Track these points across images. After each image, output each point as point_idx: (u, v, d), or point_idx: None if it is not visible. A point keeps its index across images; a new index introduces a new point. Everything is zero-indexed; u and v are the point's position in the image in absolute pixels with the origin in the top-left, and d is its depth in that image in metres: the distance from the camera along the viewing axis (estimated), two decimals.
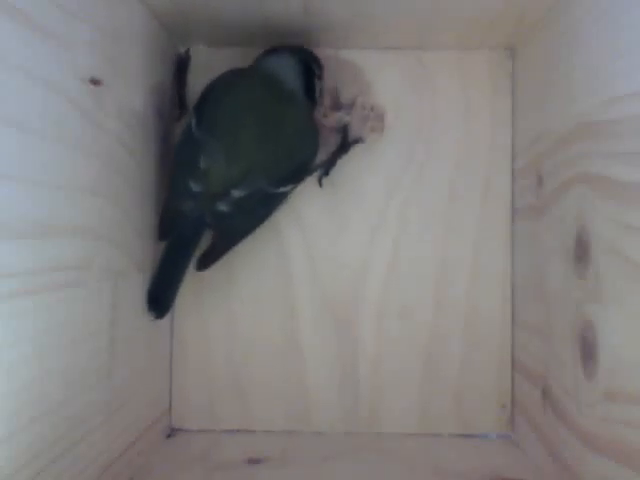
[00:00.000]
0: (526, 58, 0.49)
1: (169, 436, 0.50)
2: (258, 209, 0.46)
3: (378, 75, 0.52)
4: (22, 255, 0.28)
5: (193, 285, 0.50)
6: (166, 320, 0.50)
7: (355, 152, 0.51)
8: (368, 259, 0.52)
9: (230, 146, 0.44)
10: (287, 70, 0.47)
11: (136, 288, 0.43)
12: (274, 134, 0.45)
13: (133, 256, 0.42)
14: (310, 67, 0.48)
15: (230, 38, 0.50)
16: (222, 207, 0.44)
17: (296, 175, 0.47)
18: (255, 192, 0.44)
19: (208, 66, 0.51)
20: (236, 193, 0.44)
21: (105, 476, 0.37)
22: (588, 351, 0.35)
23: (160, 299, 0.45)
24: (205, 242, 0.46)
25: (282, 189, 0.46)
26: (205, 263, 0.46)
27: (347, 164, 0.51)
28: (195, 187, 0.43)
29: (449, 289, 0.51)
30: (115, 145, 0.39)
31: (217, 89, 0.46)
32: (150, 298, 0.44)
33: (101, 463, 0.37)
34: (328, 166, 0.50)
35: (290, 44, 0.48)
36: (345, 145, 0.50)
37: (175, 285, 0.45)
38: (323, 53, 0.51)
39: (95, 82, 0.35)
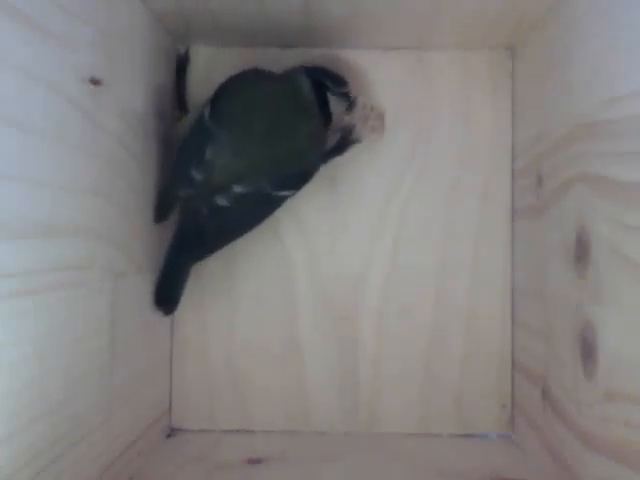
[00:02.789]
0: (526, 58, 0.49)
1: (169, 436, 0.50)
2: (256, 209, 0.46)
3: (378, 75, 0.52)
4: (22, 255, 0.28)
5: (193, 285, 0.50)
6: (166, 320, 0.50)
7: (355, 152, 0.51)
8: (368, 259, 0.52)
9: (238, 141, 0.44)
10: (305, 84, 0.47)
11: (136, 288, 0.43)
12: (283, 139, 0.45)
13: (133, 256, 0.42)
14: (323, 83, 0.47)
15: (230, 38, 0.50)
16: (221, 201, 0.44)
17: (297, 181, 0.47)
18: (256, 191, 0.45)
19: (208, 66, 0.51)
20: (237, 189, 0.44)
21: (105, 476, 0.37)
22: (588, 351, 0.35)
23: (167, 295, 0.46)
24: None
25: (282, 193, 0.46)
26: (199, 257, 0.46)
27: (347, 164, 0.51)
28: (197, 175, 0.44)
29: (449, 289, 0.51)
30: (115, 145, 0.39)
31: (238, 84, 0.46)
32: (157, 295, 0.46)
33: (101, 463, 0.37)
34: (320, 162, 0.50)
35: (315, 64, 0.49)
36: (342, 145, 0.50)
37: (181, 280, 0.46)
38: (323, 53, 0.51)
39: (95, 82, 0.35)
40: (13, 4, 0.27)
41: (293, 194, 0.47)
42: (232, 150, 0.44)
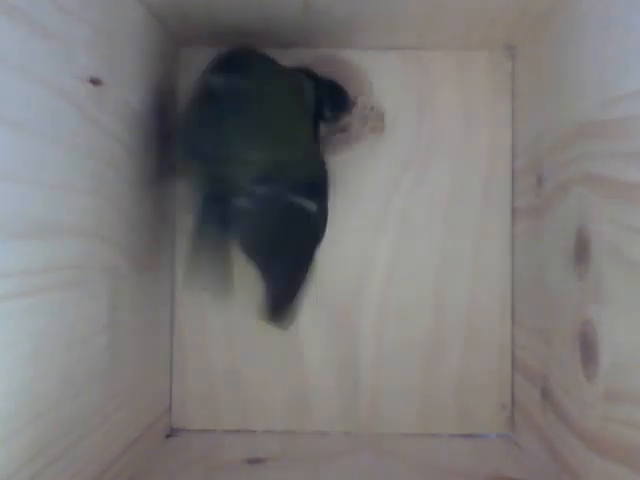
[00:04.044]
0: (526, 58, 0.49)
1: (169, 436, 0.50)
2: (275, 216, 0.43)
3: (378, 75, 0.52)
4: (20, 255, 0.28)
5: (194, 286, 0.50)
6: (166, 320, 0.50)
7: (355, 153, 0.51)
8: (368, 259, 0.52)
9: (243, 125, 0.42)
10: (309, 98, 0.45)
11: (136, 288, 0.43)
12: (294, 141, 0.43)
13: (132, 256, 0.42)
14: (322, 106, 0.46)
15: (230, 38, 0.50)
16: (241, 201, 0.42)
17: (314, 189, 0.45)
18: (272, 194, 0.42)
19: None
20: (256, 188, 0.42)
21: (105, 476, 0.37)
22: (588, 351, 0.35)
23: (283, 309, 0.43)
24: None
25: (299, 200, 0.42)
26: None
27: (347, 164, 0.51)
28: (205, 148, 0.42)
29: (449, 289, 0.51)
30: (114, 145, 0.39)
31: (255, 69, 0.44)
32: (273, 312, 0.42)
33: (101, 463, 0.37)
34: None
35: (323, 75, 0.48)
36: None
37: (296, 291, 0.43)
38: (323, 53, 0.51)
39: (95, 82, 0.35)
40: (13, 4, 0.27)
41: (315, 208, 0.43)
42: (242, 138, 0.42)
